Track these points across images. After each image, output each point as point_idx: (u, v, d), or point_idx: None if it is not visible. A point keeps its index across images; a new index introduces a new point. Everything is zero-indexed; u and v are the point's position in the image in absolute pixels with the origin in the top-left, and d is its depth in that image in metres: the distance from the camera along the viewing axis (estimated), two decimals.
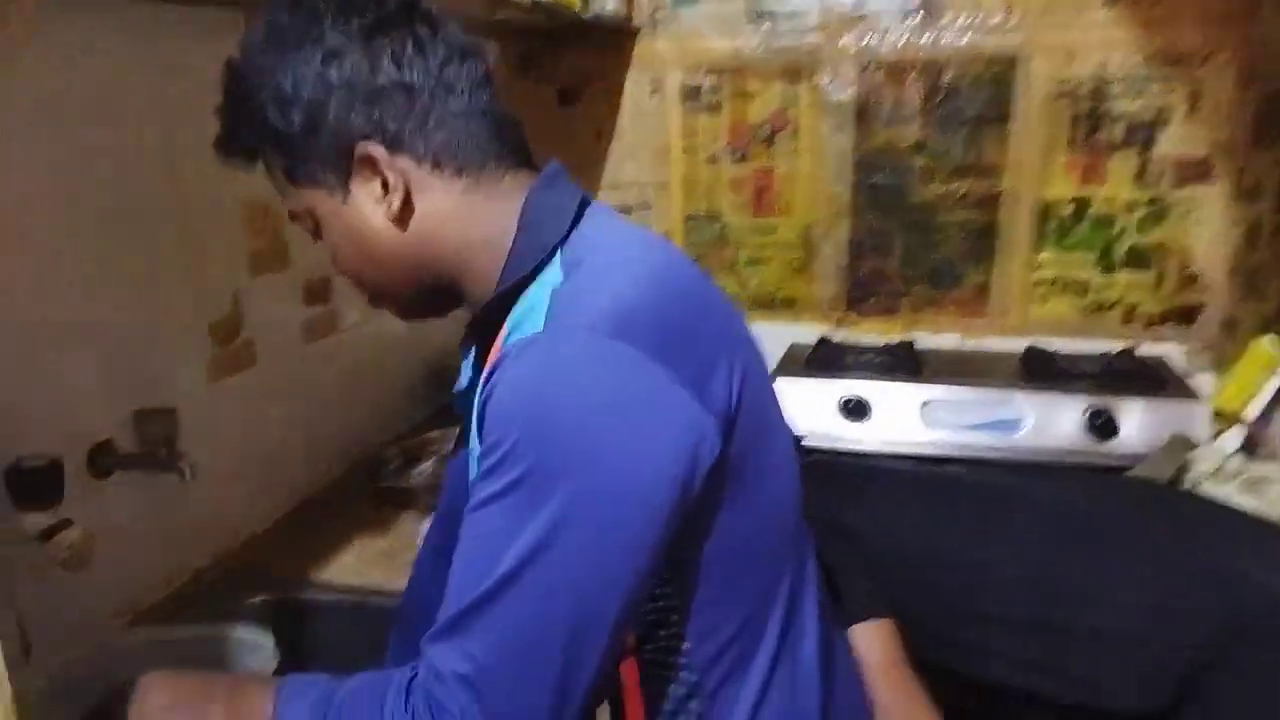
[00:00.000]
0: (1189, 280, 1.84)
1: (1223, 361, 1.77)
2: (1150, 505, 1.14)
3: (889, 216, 1.97)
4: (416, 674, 0.67)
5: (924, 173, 1.92)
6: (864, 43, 1.89)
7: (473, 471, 0.72)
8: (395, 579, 1.27)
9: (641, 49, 2.01)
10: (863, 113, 1.93)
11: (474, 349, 0.87)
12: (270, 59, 0.75)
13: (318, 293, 1.55)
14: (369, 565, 1.33)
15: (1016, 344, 1.88)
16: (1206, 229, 1.80)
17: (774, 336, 1.97)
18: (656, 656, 0.74)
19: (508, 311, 0.74)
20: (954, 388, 1.65)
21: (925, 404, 1.63)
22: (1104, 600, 1.03)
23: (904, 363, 1.78)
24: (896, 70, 1.89)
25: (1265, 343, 1.55)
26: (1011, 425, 1.60)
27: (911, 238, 1.96)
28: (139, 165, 1.19)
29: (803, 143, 1.98)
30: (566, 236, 0.76)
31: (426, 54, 0.75)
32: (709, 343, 0.70)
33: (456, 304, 0.85)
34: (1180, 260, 1.84)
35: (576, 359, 0.64)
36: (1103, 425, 1.55)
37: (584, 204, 0.79)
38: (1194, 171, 1.79)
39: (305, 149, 0.76)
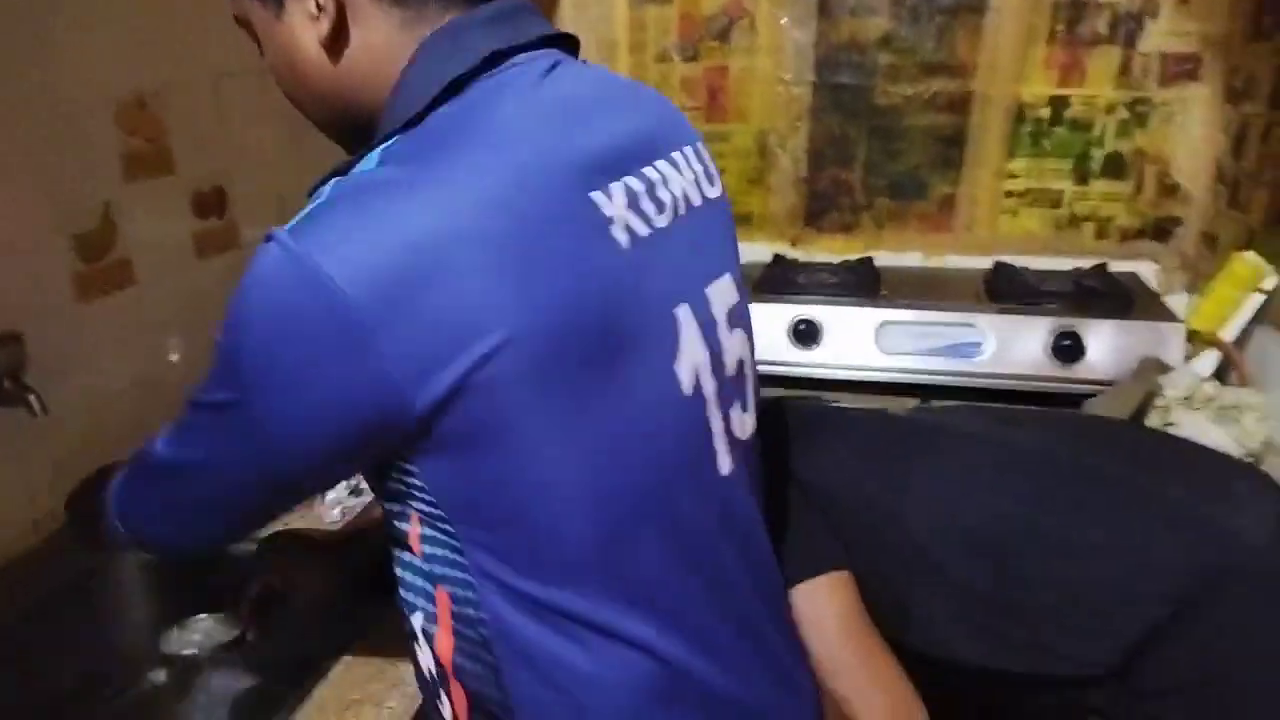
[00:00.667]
0: (1168, 191, 1.72)
1: (1198, 279, 1.66)
2: (1114, 448, 1.04)
3: (851, 121, 1.82)
4: None
5: (890, 71, 1.77)
6: None
7: None
8: (290, 523, 1.17)
9: None
10: (825, 3, 1.76)
11: None
12: None
13: (210, 204, 1.40)
14: None
15: (983, 262, 1.77)
16: (1190, 134, 1.68)
17: None
18: (457, 592, 0.69)
19: None
20: (912, 310, 1.54)
21: (881, 326, 1.52)
22: (1063, 558, 0.93)
23: (861, 283, 1.66)
24: None
25: (1246, 258, 1.45)
26: (972, 349, 1.50)
27: (875, 145, 1.82)
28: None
29: (760, 37, 1.82)
30: (424, 117, 0.65)
31: None
32: (464, 303, 0.58)
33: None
34: (1160, 168, 1.71)
35: (275, 279, 0.59)
36: (1069, 348, 1.45)
37: (494, 62, 0.67)
38: (1182, 69, 1.65)
39: None
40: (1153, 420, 1.34)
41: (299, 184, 1.76)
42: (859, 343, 1.53)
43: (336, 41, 0.69)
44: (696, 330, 0.72)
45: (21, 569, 1.10)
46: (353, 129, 0.73)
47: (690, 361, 0.71)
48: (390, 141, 0.64)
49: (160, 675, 1.16)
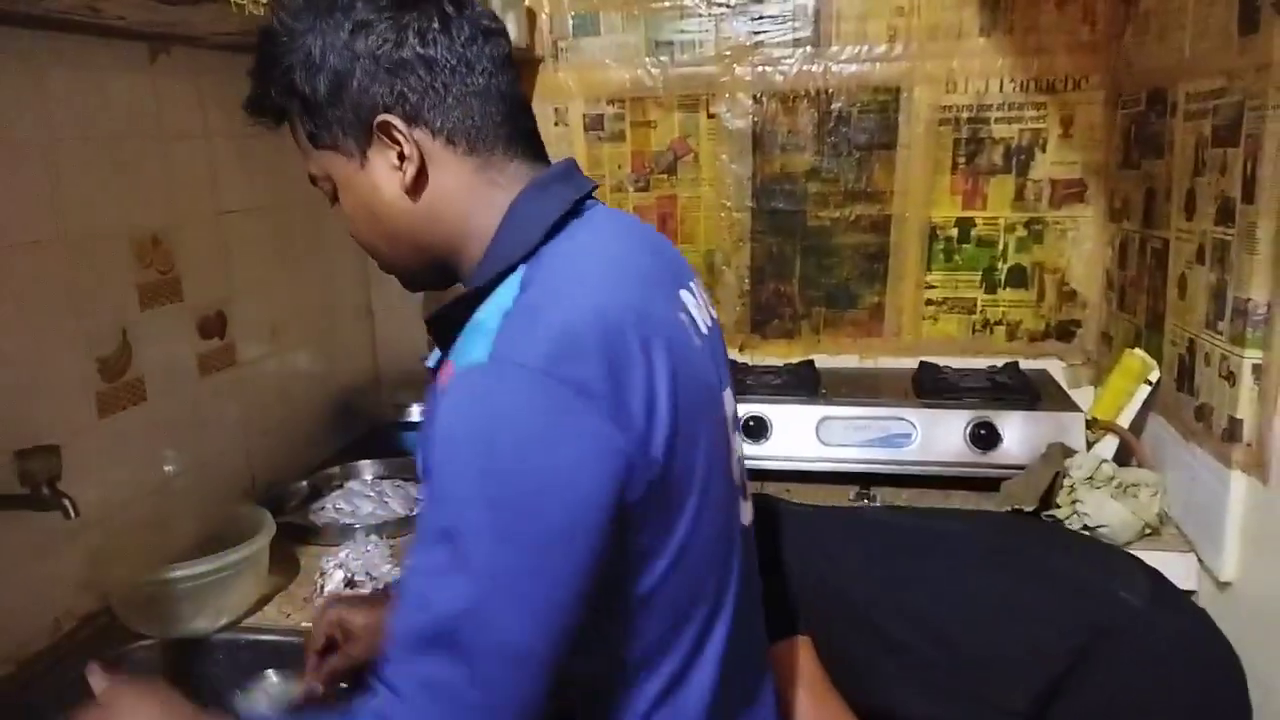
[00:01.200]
0: (1067, 297, 1.94)
1: (1100, 373, 1.86)
2: (1018, 534, 1.23)
3: (788, 241, 2.03)
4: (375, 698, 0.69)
5: (819, 198, 1.99)
6: (758, 72, 1.95)
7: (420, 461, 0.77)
8: (292, 617, 1.27)
9: (544, 79, 2.05)
10: (759, 140, 1.99)
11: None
12: (303, 25, 0.78)
13: (212, 326, 1.54)
14: (265, 602, 1.32)
15: (910, 362, 1.96)
16: (1082, 248, 1.91)
17: None
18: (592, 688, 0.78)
19: (470, 312, 0.76)
20: (849, 406, 1.71)
21: (822, 421, 1.69)
22: (982, 621, 1.10)
23: (803, 383, 1.83)
24: (789, 99, 1.96)
25: (1135, 354, 1.64)
26: (903, 440, 1.66)
27: (809, 262, 2.03)
28: (22, 196, 1.18)
29: (703, 171, 2.03)
30: (538, 248, 0.77)
31: (451, 31, 0.78)
32: (642, 368, 0.70)
33: (455, 278, 0.87)
34: (1059, 278, 1.93)
35: (509, 399, 0.66)
36: (986, 436, 1.62)
37: (574, 210, 0.81)
38: (1069, 192, 1.89)
39: (328, 114, 0.79)
40: (1060, 497, 1.50)
41: (291, 306, 1.97)
42: (802, 436, 1.68)
43: (417, 186, 0.80)
44: (728, 431, 0.87)
45: (45, 661, 1.19)
46: (425, 262, 0.85)
47: (736, 456, 0.88)
48: (516, 271, 0.76)
49: None
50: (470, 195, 0.81)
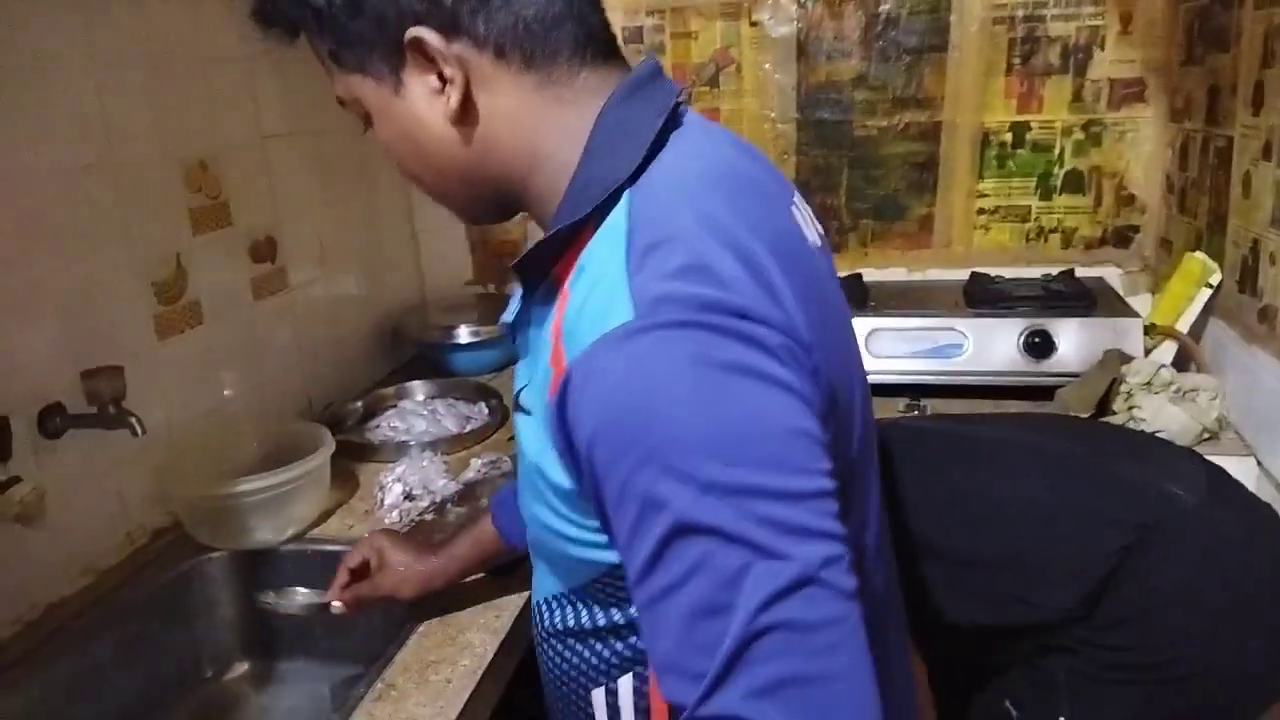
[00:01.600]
0: (1126, 202, 1.88)
1: (1158, 279, 1.81)
2: (1066, 434, 1.21)
3: (834, 152, 1.99)
4: None
5: (866, 106, 1.94)
6: None
7: (519, 396, 0.71)
8: (355, 529, 1.31)
9: None
10: (804, 48, 1.94)
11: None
12: None
13: (263, 251, 1.56)
14: (327, 516, 1.35)
15: (961, 273, 1.92)
16: (1141, 150, 1.84)
17: None
18: None
19: (563, 250, 0.66)
20: (899, 318, 1.69)
21: (871, 334, 1.67)
22: (1027, 521, 1.09)
23: (852, 296, 1.81)
24: (835, 3, 1.89)
25: (1196, 258, 1.60)
26: (954, 350, 1.64)
27: (856, 173, 1.99)
28: (72, 121, 1.19)
29: (746, 82, 1.99)
30: (642, 168, 0.64)
31: None
32: (789, 296, 0.60)
33: (519, 210, 0.75)
34: (1117, 182, 1.87)
35: (688, 361, 0.54)
36: (1040, 345, 1.59)
37: (673, 119, 0.67)
38: (1129, 93, 1.82)
39: (348, 29, 0.66)
40: (1117, 404, 1.49)
41: (337, 230, 1.99)
42: None
43: (464, 113, 0.66)
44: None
45: (119, 574, 1.24)
46: (480, 196, 0.72)
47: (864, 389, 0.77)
48: (620, 199, 0.62)
49: (244, 665, 1.30)
50: (532, 118, 0.67)
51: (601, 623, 0.74)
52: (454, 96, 0.65)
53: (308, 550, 1.27)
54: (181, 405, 1.37)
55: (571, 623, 0.77)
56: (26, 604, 1.13)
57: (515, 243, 2.17)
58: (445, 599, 1.09)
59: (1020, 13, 1.81)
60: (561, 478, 0.64)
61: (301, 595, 1.11)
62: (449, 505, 1.33)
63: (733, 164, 0.69)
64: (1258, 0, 1.38)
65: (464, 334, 1.90)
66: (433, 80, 0.66)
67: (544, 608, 0.81)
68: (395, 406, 1.74)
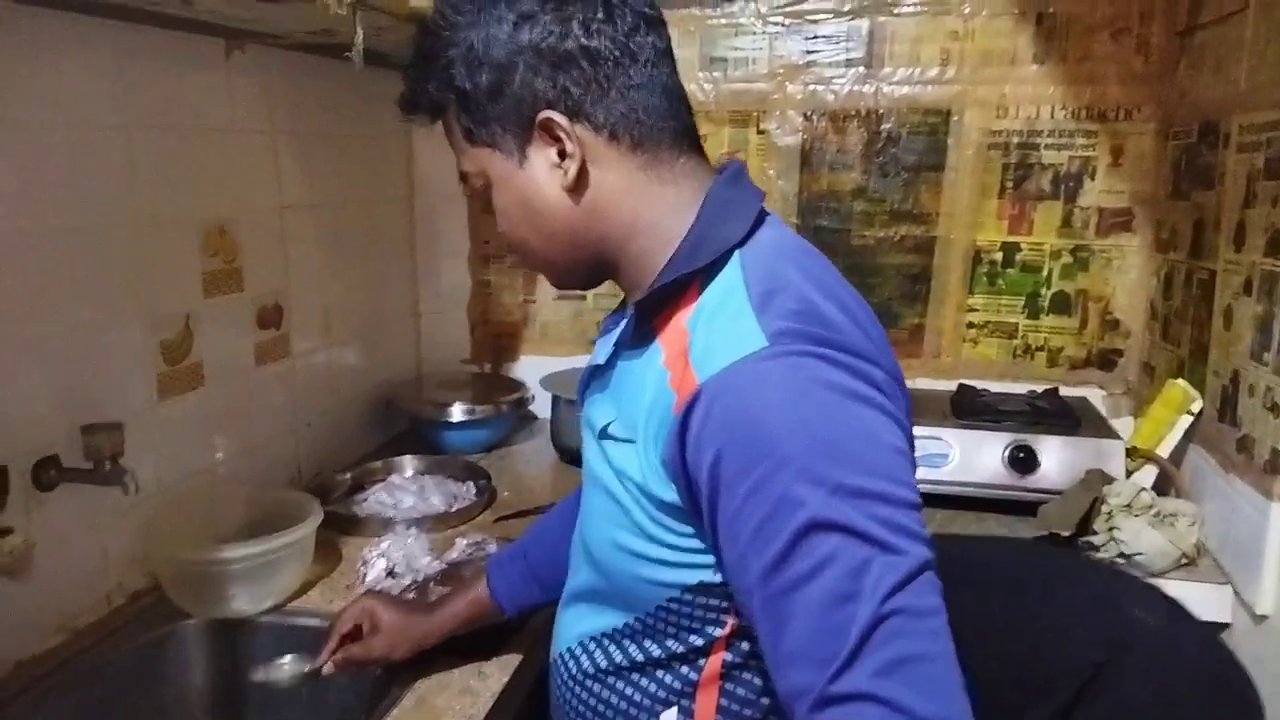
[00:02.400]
0: (1110, 325, 1.93)
1: (1140, 403, 1.85)
2: (1049, 560, 1.25)
3: (832, 258, 2.01)
4: None
5: (864, 217, 2.00)
6: (809, 90, 1.98)
7: (607, 428, 0.79)
8: (335, 604, 1.30)
9: None
10: (807, 158, 2.01)
11: (621, 327, 0.83)
12: (465, 17, 0.76)
13: (270, 317, 1.59)
14: (309, 588, 1.35)
15: (949, 384, 1.96)
16: (1127, 277, 1.90)
17: None
18: (742, 676, 0.77)
19: (672, 301, 0.76)
20: None
21: None
22: (1004, 640, 1.11)
23: None
24: (839, 118, 1.98)
25: (1178, 385, 1.64)
26: (941, 459, 1.67)
27: (852, 280, 1.97)
28: (97, 181, 1.23)
29: None
30: (747, 237, 0.76)
31: (615, 20, 0.75)
32: (875, 336, 0.75)
33: (605, 279, 0.85)
34: (1102, 306, 1.93)
35: (814, 383, 0.65)
36: (1024, 460, 1.62)
37: (762, 210, 0.80)
38: (1116, 221, 1.89)
39: (488, 110, 0.76)
40: (1098, 524, 1.50)
41: (342, 301, 2.02)
42: None
43: (579, 184, 0.77)
44: None
45: (93, 634, 1.22)
46: (580, 260, 0.82)
47: None
48: (735, 256, 0.75)
49: None
50: (636, 192, 0.78)
51: (656, 654, 0.79)
52: (572, 169, 0.76)
53: (286, 623, 1.26)
54: (173, 465, 1.38)
55: (619, 658, 0.82)
56: None
57: (516, 324, 2.21)
58: (419, 669, 1.09)
59: (1015, 139, 1.90)
60: (664, 491, 0.72)
61: (288, 665, 1.10)
62: (431, 584, 1.33)
63: (810, 244, 0.84)
64: (1240, 144, 1.45)
65: (457, 411, 1.92)
66: (553, 155, 0.77)
67: (582, 650, 0.86)
68: (384, 480, 1.75)
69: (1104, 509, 1.51)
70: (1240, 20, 1.46)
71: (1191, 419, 1.60)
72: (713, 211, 0.77)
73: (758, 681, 0.77)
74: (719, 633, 0.77)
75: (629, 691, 0.82)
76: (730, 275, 0.73)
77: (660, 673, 0.80)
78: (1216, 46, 1.58)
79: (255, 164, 1.55)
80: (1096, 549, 1.48)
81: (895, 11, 1.90)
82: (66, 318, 1.19)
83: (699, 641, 0.77)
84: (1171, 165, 1.79)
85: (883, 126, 1.95)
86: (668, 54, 0.79)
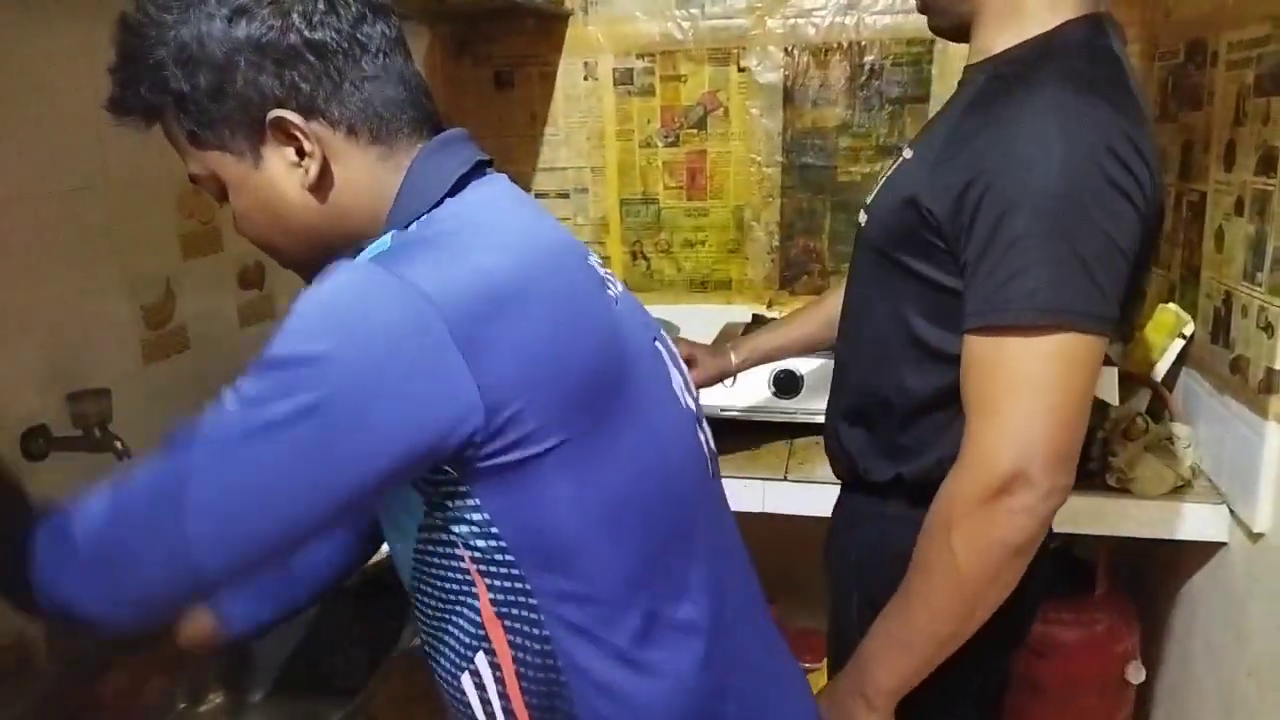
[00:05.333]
0: None
1: (1136, 329, 1.85)
2: None
3: (818, 196, 2.03)
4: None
5: (850, 153, 1.98)
6: (789, 24, 1.94)
7: None
8: None
9: (574, 33, 2.04)
10: (790, 95, 1.98)
11: None
12: (172, 14, 0.70)
13: (252, 278, 1.56)
14: None
15: None
16: None
17: (710, 317, 2.02)
18: (511, 611, 0.74)
19: None
20: None
21: None
22: None
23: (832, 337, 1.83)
24: (821, 52, 1.94)
25: (1169, 309, 1.64)
26: None
27: (839, 217, 2.02)
28: (68, 148, 1.19)
29: (733, 125, 2.03)
30: (436, 205, 0.74)
31: (338, 11, 0.72)
32: (533, 336, 0.68)
33: None
34: None
35: (376, 295, 0.64)
36: None
37: (474, 172, 0.77)
38: None
39: (211, 112, 0.72)
40: (1094, 451, 1.51)
41: None
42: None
43: (321, 183, 0.74)
44: (669, 359, 0.87)
45: None
46: (329, 257, 0.75)
47: (678, 381, 0.87)
48: (411, 225, 0.73)
49: (219, 698, 1.27)
50: (378, 186, 0.76)
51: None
52: (313, 168, 0.73)
53: None
54: (163, 429, 1.36)
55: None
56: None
57: None
58: None
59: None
60: None
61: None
62: None
63: (528, 215, 0.80)
64: (1229, 61, 1.43)
65: None
66: (290, 154, 0.74)
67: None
68: None
69: (1099, 435, 1.52)
70: None
71: (1184, 342, 1.60)
72: (405, 189, 0.75)
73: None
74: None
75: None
76: (383, 239, 0.73)
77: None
78: None
79: None
80: (1093, 476, 1.49)
81: None
82: (47, 286, 1.16)
83: (456, 575, 0.75)
84: (1159, 86, 1.76)
85: (865, 59, 1.92)
86: (400, 41, 0.77)
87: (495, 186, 0.80)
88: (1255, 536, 1.32)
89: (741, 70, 1.99)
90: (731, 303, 2.11)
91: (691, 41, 1.99)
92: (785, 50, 1.95)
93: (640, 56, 2.02)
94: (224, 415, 0.65)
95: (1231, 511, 1.40)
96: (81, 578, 0.67)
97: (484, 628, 0.75)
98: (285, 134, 0.73)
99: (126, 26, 0.73)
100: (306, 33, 0.71)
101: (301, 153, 0.73)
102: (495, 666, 0.76)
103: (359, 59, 0.73)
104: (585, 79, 2.05)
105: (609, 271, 0.86)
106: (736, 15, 1.96)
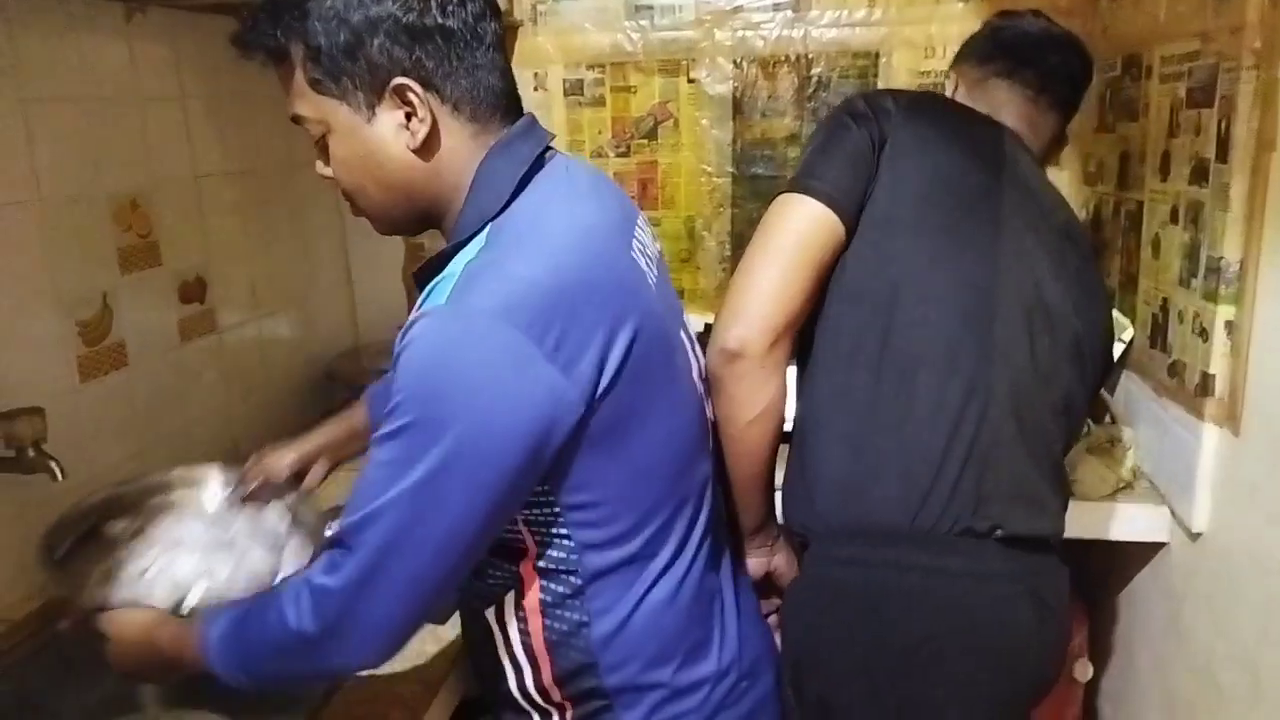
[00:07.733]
0: None
1: None
2: None
3: (767, 206, 2.03)
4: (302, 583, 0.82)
5: (799, 163, 1.99)
6: (738, 36, 1.95)
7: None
8: None
9: (523, 43, 2.03)
10: (740, 105, 1.99)
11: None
12: None
13: (192, 291, 1.53)
14: None
15: None
16: None
17: None
18: (549, 565, 0.89)
19: (445, 265, 0.84)
20: None
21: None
22: None
23: None
24: (769, 64, 1.96)
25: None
26: None
27: None
28: None
29: (683, 136, 2.03)
30: (507, 205, 0.85)
31: (467, 5, 0.83)
32: (592, 318, 0.80)
33: (428, 229, 0.93)
34: None
35: (463, 338, 0.75)
36: None
37: (538, 164, 0.88)
38: (1045, 156, 1.90)
39: (341, 67, 0.81)
40: None
41: (269, 271, 1.95)
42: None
43: (427, 146, 0.85)
44: (689, 349, 1.01)
45: (28, 626, 1.18)
46: (410, 211, 0.90)
47: (697, 370, 1.02)
48: (486, 228, 0.83)
49: None
50: (468, 158, 0.86)
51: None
52: (422, 131, 0.83)
53: None
54: (101, 448, 1.33)
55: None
56: None
57: None
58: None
59: (943, 79, 1.90)
60: None
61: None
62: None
63: (582, 208, 0.90)
64: (1163, 75, 1.47)
65: None
66: (400, 116, 0.84)
67: None
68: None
69: None
70: None
71: (1124, 347, 1.64)
72: (477, 184, 0.86)
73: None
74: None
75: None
76: (471, 248, 0.82)
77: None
78: None
79: (165, 132, 1.48)
80: None
81: None
82: None
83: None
84: (1097, 99, 1.80)
85: (813, 71, 1.94)
86: (503, 42, 0.88)
87: (553, 179, 0.89)
88: (1194, 536, 1.35)
89: (691, 81, 2.00)
90: (687, 310, 2.10)
91: (641, 53, 2.00)
92: (734, 62, 1.97)
93: (590, 67, 2.02)
94: (379, 488, 0.77)
95: (1172, 512, 1.43)
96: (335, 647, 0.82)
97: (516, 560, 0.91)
98: (402, 99, 0.82)
99: None
100: (440, 19, 0.82)
101: (409, 116, 0.83)
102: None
103: (475, 49, 0.84)
104: (535, 89, 2.04)
105: (650, 250, 0.98)
106: (686, 27, 1.97)
